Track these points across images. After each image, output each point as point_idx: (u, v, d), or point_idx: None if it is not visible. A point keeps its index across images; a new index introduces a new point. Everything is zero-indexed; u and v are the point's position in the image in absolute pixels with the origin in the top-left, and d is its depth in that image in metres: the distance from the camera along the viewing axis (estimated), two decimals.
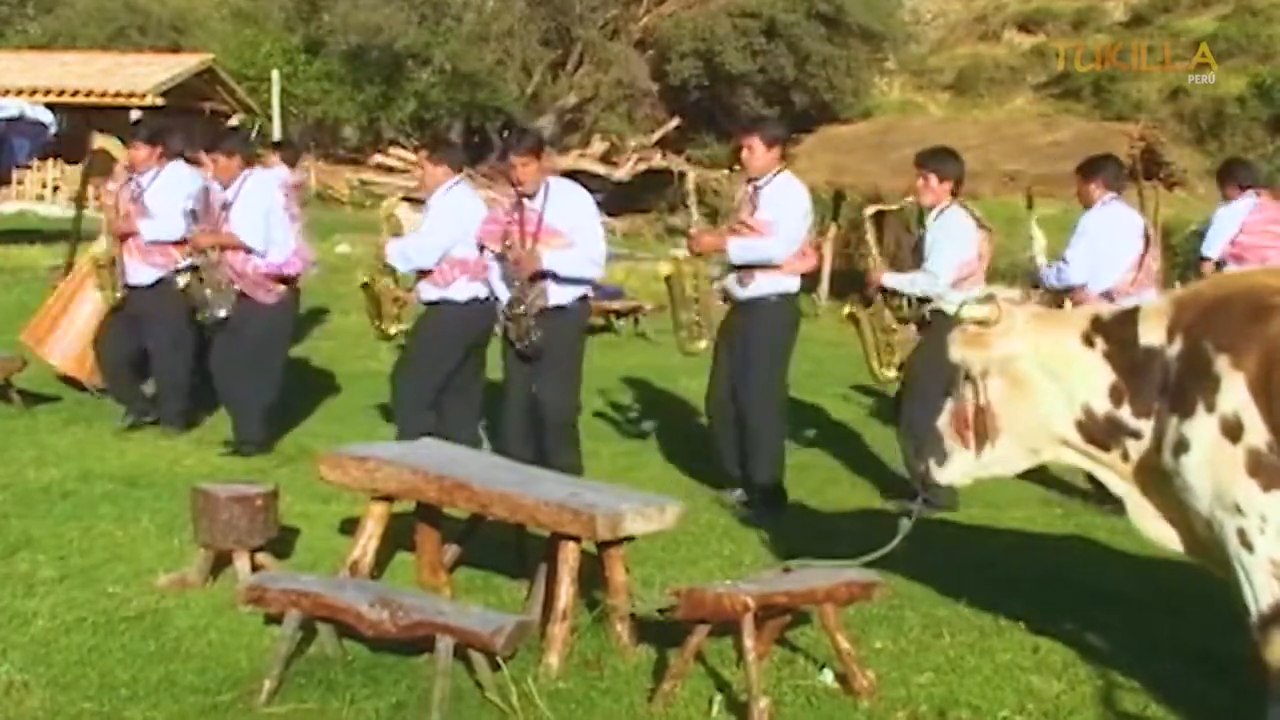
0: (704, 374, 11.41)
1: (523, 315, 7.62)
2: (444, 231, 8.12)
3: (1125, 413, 4.50)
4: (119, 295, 9.30)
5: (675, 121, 33.62)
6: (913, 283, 7.77)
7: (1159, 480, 4.47)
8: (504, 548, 6.05)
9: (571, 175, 13.55)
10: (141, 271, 9.17)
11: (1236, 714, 4.59)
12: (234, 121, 27.93)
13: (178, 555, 6.31)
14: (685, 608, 4.71)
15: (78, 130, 25.46)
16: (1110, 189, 8.27)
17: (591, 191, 8.72)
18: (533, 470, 6.04)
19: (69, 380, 10.49)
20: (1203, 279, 8.79)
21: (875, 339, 7.97)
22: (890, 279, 7.89)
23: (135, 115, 23.73)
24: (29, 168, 26.07)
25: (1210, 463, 4.20)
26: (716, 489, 8.07)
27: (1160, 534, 4.63)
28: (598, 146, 32.55)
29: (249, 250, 8.63)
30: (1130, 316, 4.56)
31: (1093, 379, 4.56)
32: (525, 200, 7.74)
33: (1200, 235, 9.97)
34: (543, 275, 7.62)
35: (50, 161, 26.84)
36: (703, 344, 8.06)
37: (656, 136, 33.34)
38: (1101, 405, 4.54)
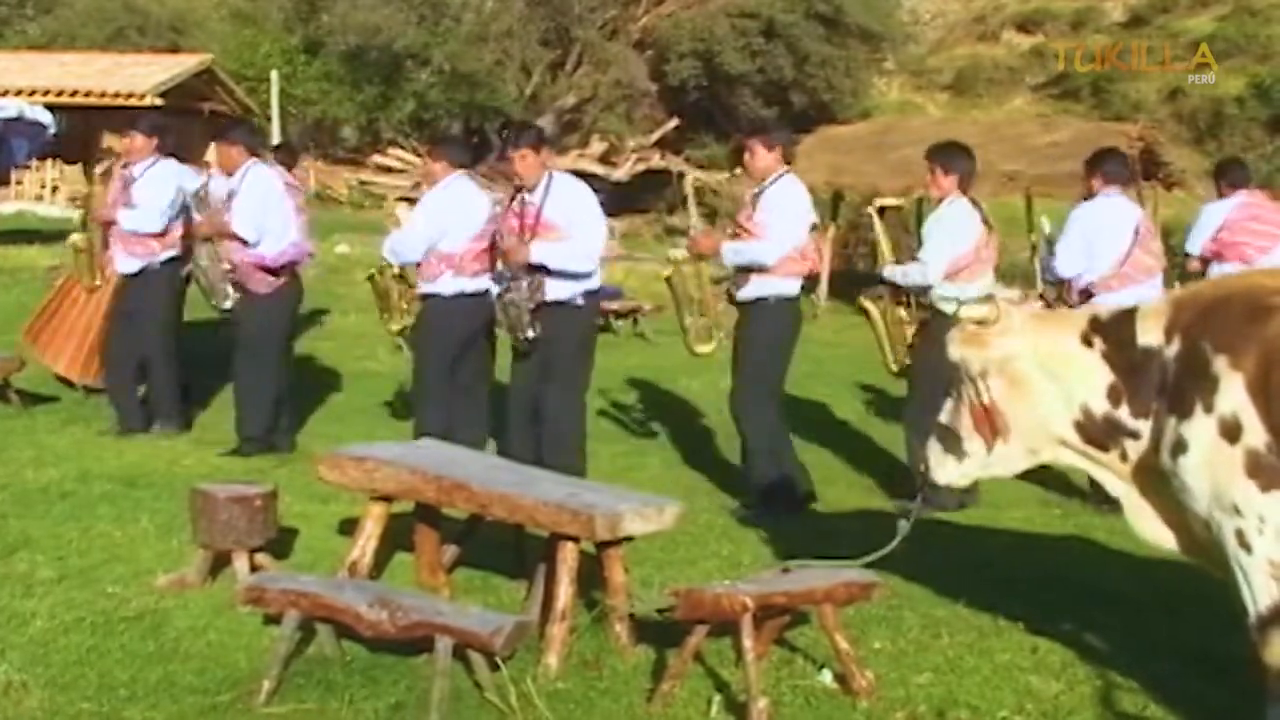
0: (703, 374, 11.44)
1: (510, 305, 7.63)
2: (427, 225, 8.23)
3: (1123, 413, 4.50)
4: (96, 283, 9.40)
5: (674, 122, 33.61)
6: (905, 274, 7.82)
7: (1157, 481, 4.47)
8: (503, 548, 6.05)
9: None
10: (125, 261, 9.19)
11: (1235, 714, 4.59)
12: None
13: (176, 555, 6.31)
14: (684, 608, 4.71)
15: (76, 131, 25.50)
16: (1111, 182, 8.26)
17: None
18: (531, 470, 6.04)
19: (67, 381, 10.49)
20: (1188, 275, 8.82)
21: (889, 332, 7.99)
22: (888, 271, 7.94)
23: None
24: (28, 168, 26.08)
25: (1208, 463, 4.20)
26: (715, 489, 8.07)
27: (1158, 535, 4.63)
28: (596, 147, 32.55)
29: (243, 241, 8.66)
30: (1128, 317, 4.56)
31: (1091, 379, 4.55)
32: (525, 194, 7.75)
33: (1186, 232, 9.96)
34: (535, 268, 7.62)
35: (49, 162, 26.82)
36: (709, 346, 8.05)
37: (655, 137, 33.33)
38: (1100, 405, 4.54)
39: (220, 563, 5.98)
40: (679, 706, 4.72)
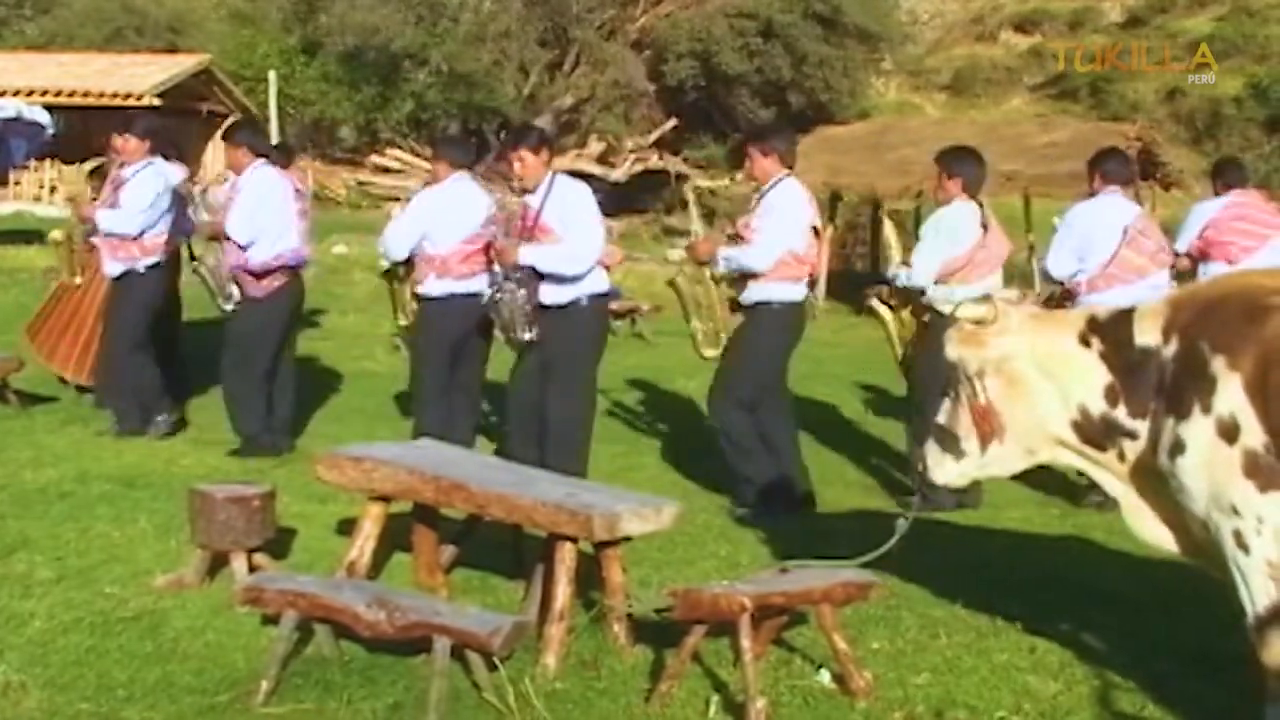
0: (701, 375, 11.44)
1: (504, 306, 7.61)
2: (412, 223, 8.29)
3: (1121, 413, 4.50)
4: (76, 280, 9.39)
5: (672, 122, 33.60)
6: (905, 277, 7.85)
7: (1156, 481, 4.47)
8: (501, 548, 6.05)
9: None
10: (109, 263, 9.14)
11: (1233, 715, 4.59)
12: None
13: (175, 556, 6.31)
14: (682, 608, 4.72)
15: (75, 131, 25.51)
16: (1110, 181, 8.27)
17: None
18: (529, 471, 6.04)
19: (65, 381, 10.49)
20: (1180, 275, 8.81)
21: (900, 331, 8.02)
22: (891, 271, 8.01)
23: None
24: (26, 168, 26.07)
25: (1206, 464, 4.20)
26: (713, 490, 8.08)
27: (1156, 535, 4.63)
28: (594, 147, 32.53)
29: (234, 243, 8.64)
30: (1126, 317, 4.56)
31: (1088, 379, 4.56)
32: (526, 195, 7.75)
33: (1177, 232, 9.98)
34: (530, 271, 7.60)
35: (47, 162, 26.82)
36: (718, 350, 8.00)
37: (653, 137, 33.31)
38: (1097, 405, 4.54)
39: (218, 563, 5.98)
40: (677, 707, 4.73)
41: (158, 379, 9.23)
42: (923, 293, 7.72)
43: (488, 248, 8.03)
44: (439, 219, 8.23)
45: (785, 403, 7.92)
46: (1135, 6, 41.00)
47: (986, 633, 5.54)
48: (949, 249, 7.67)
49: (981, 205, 7.86)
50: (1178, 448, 4.28)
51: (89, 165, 10.34)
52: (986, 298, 4.85)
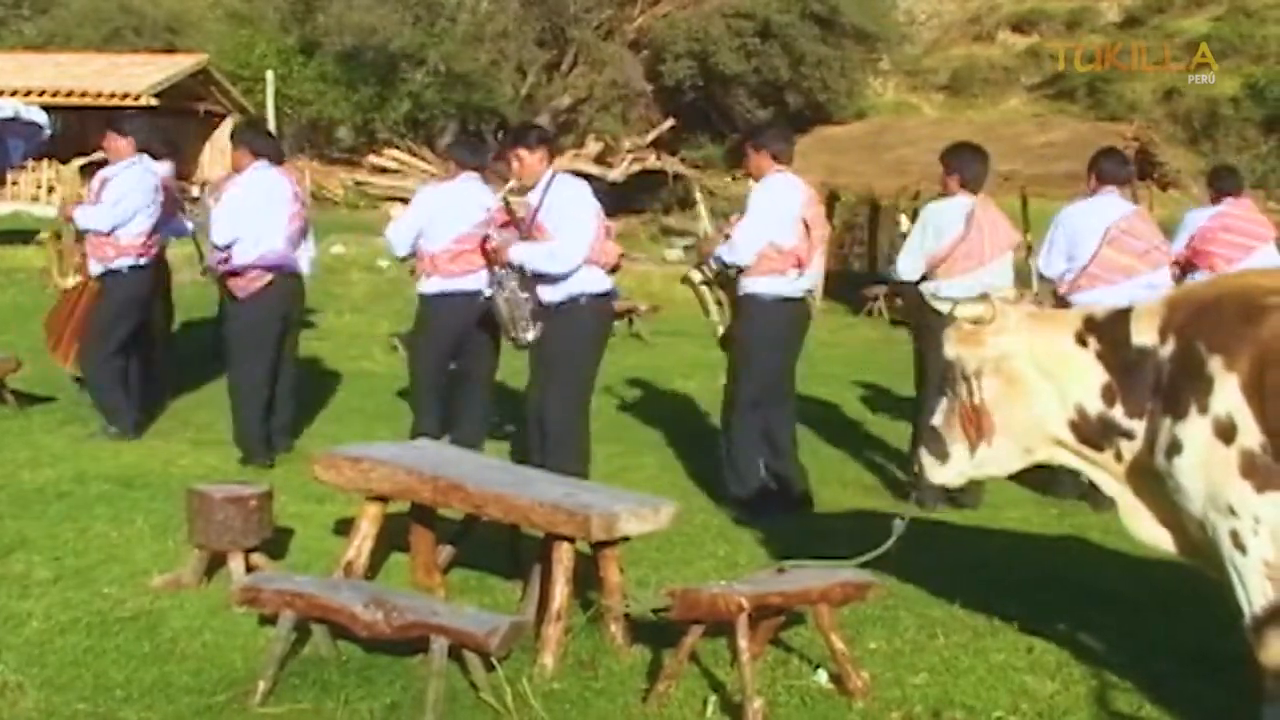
0: (699, 374, 11.44)
1: (502, 305, 7.61)
2: (413, 219, 8.38)
3: (1118, 413, 4.51)
4: (68, 282, 9.37)
5: (670, 122, 33.59)
6: (894, 274, 8.07)
7: (1153, 481, 4.47)
8: (498, 548, 6.05)
9: None
10: (91, 262, 9.10)
11: (1231, 715, 4.60)
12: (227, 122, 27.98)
13: (172, 556, 6.31)
14: (680, 608, 4.72)
15: (72, 131, 25.47)
16: (1105, 182, 8.28)
17: None
18: (527, 471, 6.04)
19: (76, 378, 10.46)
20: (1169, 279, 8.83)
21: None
22: (885, 272, 8.10)
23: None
24: (24, 169, 26.05)
25: (1203, 464, 4.21)
26: (711, 490, 8.07)
27: (1153, 535, 4.64)
28: (592, 147, 32.51)
29: (214, 245, 8.60)
30: (1123, 316, 4.57)
31: (1086, 379, 4.56)
32: (528, 195, 7.74)
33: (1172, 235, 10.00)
34: (520, 269, 7.59)
35: (45, 162, 26.78)
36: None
37: (651, 137, 33.31)
38: (1094, 405, 4.55)
39: (216, 563, 5.97)
40: (675, 707, 4.73)
41: (123, 382, 9.15)
42: (916, 284, 7.82)
43: (484, 247, 8.01)
44: (436, 216, 8.31)
45: (790, 403, 7.92)
46: (1132, 6, 41.07)
47: (984, 633, 5.54)
48: (932, 243, 7.75)
49: (979, 200, 7.86)
50: (1175, 448, 4.28)
51: (78, 163, 10.21)
52: (984, 296, 4.85)
